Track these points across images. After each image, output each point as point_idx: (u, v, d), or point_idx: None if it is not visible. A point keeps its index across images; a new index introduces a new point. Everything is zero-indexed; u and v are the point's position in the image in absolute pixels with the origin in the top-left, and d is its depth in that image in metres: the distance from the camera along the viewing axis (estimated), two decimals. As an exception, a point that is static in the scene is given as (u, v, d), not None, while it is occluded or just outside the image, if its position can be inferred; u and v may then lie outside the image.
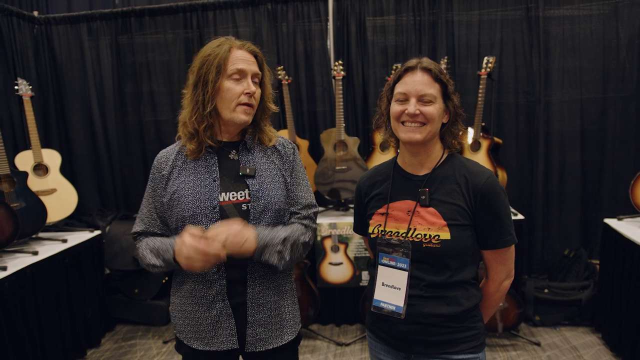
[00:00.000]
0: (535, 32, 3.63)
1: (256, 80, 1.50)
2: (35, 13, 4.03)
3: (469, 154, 3.40)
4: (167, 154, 1.57)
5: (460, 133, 1.45)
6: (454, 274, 1.39)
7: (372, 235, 1.49)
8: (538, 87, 3.67)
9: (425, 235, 1.38)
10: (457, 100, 1.43)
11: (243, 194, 1.49)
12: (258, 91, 1.50)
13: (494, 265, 1.46)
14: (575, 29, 3.62)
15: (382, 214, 1.48)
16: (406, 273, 1.40)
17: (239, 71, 1.45)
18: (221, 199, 1.48)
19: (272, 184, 1.53)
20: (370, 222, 1.52)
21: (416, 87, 1.37)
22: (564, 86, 3.68)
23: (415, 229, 1.40)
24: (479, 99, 3.33)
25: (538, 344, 3.22)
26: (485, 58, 3.35)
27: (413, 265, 1.40)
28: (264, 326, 1.54)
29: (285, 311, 1.59)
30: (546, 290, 3.47)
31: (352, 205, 3.79)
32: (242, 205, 1.49)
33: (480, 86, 3.33)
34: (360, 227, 1.65)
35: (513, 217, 3.22)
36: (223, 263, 1.45)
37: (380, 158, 3.59)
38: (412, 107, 1.36)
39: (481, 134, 3.39)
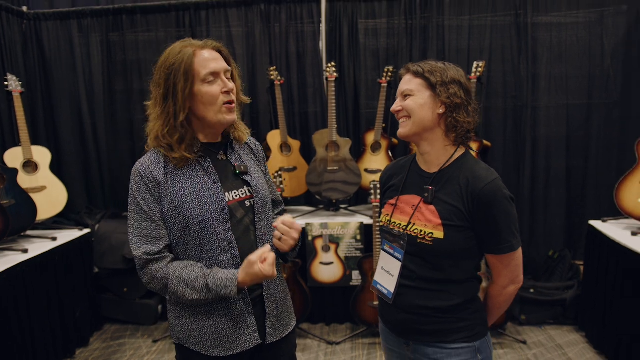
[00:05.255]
0: (524, 38, 3.69)
1: (228, 76, 1.48)
2: (24, 8, 3.98)
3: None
4: (153, 161, 1.46)
5: (467, 123, 1.44)
6: (447, 273, 1.44)
7: (381, 223, 1.61)
8: (525, 92, 3.74)
9: (421, 231, 1.44)
10: (456, 89, 1.43)
11: (244, 191, 1.54)
12: (234, 85, 1.50)
13: (496, 269, 1.50)
14: (562, 36, 3.69)
15: (392, 205, 1.58)
16: (399, 263, 1.50)
17: (212, 73, 1.42)
18: (227, 200, 1.49)
19: (260, 178, 1.62)
20: (383, 210, 1.63)
21: (400, 88, 1.51)
22: (550, 92, 3.75)
23: (414, 224, 1.47)
24: (469, 102, 3.38)
25: (524, 342, 3.30)
26: (475, 63, 3.40)
27: (408, 258, 1.49)
28: (277, 316, 1.58)
29: (289, 298, 1.70)
30: (532, 290, 3.55)
31: (342, 206, 3.83)
32: (246, 202, 1.53)
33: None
34: None
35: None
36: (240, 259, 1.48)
37: (370, 159, 3.63)
38: (394, 105, 1.51)
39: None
